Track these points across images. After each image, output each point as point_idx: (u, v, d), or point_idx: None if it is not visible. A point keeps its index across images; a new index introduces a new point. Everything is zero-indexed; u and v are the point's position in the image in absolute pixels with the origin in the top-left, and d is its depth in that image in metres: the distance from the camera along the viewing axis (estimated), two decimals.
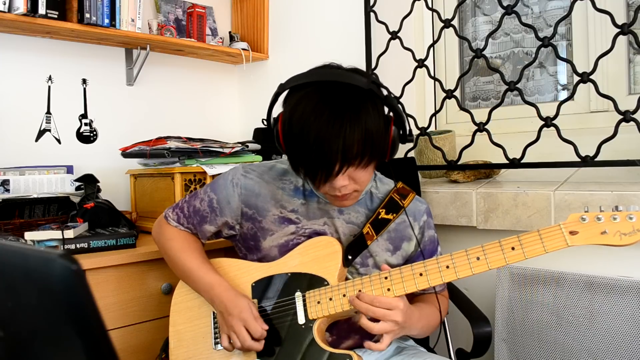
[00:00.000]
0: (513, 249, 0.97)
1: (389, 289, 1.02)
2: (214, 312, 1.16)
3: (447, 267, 1.01)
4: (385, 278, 1.03)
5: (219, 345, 1.13)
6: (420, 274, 1.02)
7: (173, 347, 1.18)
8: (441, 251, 1.23)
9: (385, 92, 1.03)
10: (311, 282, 1.09)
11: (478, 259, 0.99)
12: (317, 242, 1.12)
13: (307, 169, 1.01)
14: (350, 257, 1.11)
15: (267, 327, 1.07)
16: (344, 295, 1.05)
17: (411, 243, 1.18)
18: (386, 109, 1.05)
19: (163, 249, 1.25)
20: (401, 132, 1.06)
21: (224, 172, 1.24)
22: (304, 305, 1.08)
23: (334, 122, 0.95)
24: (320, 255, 1.10)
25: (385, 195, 1.19)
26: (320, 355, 1.04)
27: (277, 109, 1.06)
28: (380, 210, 1.15)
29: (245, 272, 1.16)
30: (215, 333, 1.15)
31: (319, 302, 1.06)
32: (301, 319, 1.07)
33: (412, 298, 1.20)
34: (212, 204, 1.19)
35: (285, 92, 1.05)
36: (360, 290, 1.03)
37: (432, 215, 1.24)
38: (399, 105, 1.05)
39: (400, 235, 1.18)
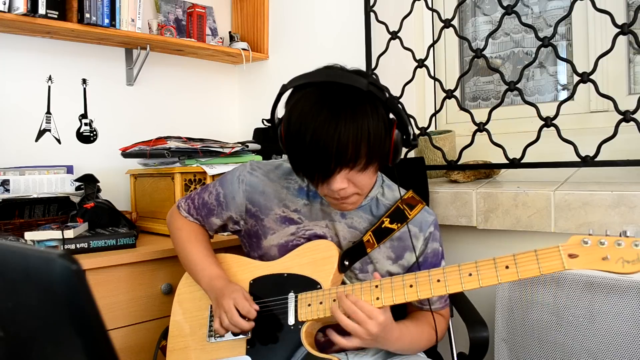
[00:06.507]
0: (507, 267, 0.95)
1: (377, 298, 1.01)
2: (211, 306, 1.17)
3: (438, 280, 0.99)
4: (376, 286, 1.02)
5: (212, 337, 1.14)
6: (411, 285, 1.00)
7: (172, 335, 1.22)
8: (444, 263, 1.20)
9: (387, 95, 1.01)
10: (305, 284, 1.09)
11: (470, 275, 0.97)
12: (316, 245, 1.12)
13: (305, 170, 1.01)
14: (346, 263, 1.10)
15: (257, 308, 1.07)
16: (335, 300, 1.04)
17: (414, 254, 1.16)
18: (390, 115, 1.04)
19: (172, 237, 1.29)
20: (404, 137, 1.03)
21: (233, 168, 1.27)
22: (295, 306, 1.08)
23: (329, 122, 0.94)
24: (317, 259, 1.11)
25: (391, 203, 1.16)
26: (304, 357, 1.04)
27: (280, 111, 1.06)
28: (385, 219, 1.13)
29: (245, 269, 1.18)
30: (210, 326, 1.16)
31: (309, 305, 1.06)
32: (291, 320, 1.08)
33: (406, 311, 1.19)
34: (219, 197, 1.22)
35: (288, 92, 1.05)
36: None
37: (439, 228, 1.20)
38: (403, 109, 1.03)
39: (404, 245, 1.15)
